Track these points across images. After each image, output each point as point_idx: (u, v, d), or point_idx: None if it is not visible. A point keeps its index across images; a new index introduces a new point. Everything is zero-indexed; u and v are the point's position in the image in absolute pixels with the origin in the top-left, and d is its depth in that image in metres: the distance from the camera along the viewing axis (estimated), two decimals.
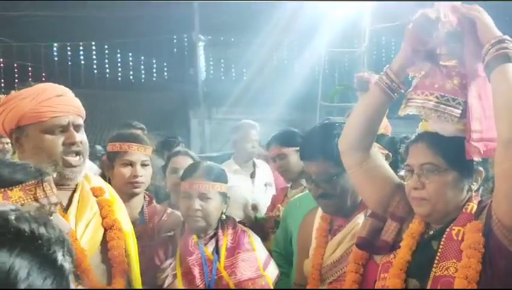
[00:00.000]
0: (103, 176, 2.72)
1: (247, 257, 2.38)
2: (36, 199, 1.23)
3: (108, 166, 2.63)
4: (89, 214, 1.97)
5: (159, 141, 4.52)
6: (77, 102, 1.96)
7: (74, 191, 1.98)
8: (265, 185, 4.30)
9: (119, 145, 2.60)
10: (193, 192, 2.36)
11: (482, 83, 1.61)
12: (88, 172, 2.09)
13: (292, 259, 2.66)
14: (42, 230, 0.79)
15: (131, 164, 2.57)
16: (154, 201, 2.75)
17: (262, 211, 3.82)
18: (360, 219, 2.08)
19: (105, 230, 2.00)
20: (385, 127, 2.53)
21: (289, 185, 3.51)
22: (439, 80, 1.63)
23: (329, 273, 2.11)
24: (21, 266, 0.73)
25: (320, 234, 2.19)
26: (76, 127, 1.91)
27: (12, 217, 0.78)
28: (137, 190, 2.59)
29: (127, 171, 2.56)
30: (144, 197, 2.68)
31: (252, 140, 4.34)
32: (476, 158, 1.62)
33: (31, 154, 1.86)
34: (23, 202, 1.20)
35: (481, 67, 1.58)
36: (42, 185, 1.24)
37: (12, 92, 1.91)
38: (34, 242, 0.77)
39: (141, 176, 2.57)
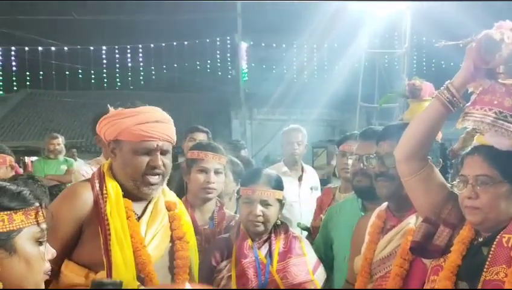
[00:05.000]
0: (181, 180, 2.97)
1: (298, 261, 2.47)
2: (37, 223, 1.30)
3: (186, 172, 2.86)
4: (158, 226, 2.16)
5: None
6: (171, 130, 2.15)
7: (149, 202, 2.18)
8: (311, 188, 4.53)
9: (197, 153, 2.82)
10: (255, 198, 2.48)
11: None
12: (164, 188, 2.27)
13: (332, 264, 2.79)
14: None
15: (206, 170, 2.77)
16: (224, 208, 2.92)
17: (308, 214, 4.02)
18: (411, 220, 2.14)
19: (174, 241, 2.19)
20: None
21: (337, 186, 3.57)
22: (499, 97, 1.71)
23: (378, 269, 2.20)
24: None
25: (374, 230, 2.26)
26: (164, 152, 2.12)
27: None
28: (210, 196, 2.79)
29: (201, 177, 2.76)
30: (216, 203, 2.88)
31: (295, 142, 4.55)
32: None
33: (120, 166, 2.11)
34: (25, 225, 1.27)
35: None
36: (42, 211, 1.32)
37: (120, 108, 2.12)
38: None
39: (214, 183, 2.76)
